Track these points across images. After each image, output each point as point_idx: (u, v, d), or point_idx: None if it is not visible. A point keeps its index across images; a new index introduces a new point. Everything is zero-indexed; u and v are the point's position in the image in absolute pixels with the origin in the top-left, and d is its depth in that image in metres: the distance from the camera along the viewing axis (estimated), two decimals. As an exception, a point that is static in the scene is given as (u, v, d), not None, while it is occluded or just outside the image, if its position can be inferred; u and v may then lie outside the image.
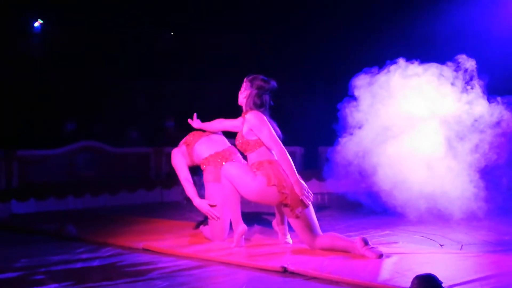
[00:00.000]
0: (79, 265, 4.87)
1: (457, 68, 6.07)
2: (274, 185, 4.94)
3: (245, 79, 5.32)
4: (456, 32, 10.04)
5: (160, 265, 4.73)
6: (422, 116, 6.11)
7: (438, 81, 6.08)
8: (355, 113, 6.29)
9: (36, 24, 12.71)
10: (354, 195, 6.82)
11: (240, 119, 5.38)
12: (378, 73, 6.21)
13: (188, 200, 5.85)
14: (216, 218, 5.53)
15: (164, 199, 10.11)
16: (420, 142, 6.07)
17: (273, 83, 5.27)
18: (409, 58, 6.21)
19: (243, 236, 5.25)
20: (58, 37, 12.86)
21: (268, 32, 13.20)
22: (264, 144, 5.09)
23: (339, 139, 6.33)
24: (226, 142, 5.84)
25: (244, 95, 5.28)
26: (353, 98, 6.29)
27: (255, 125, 5.09)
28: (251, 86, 5.23)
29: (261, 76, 5.27)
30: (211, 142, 5.79)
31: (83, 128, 11.82)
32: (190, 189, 5.65)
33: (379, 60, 6.29)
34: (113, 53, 13.03)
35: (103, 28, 12.94)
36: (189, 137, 5.88)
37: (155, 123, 12.62)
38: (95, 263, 4.93)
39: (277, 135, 5.12)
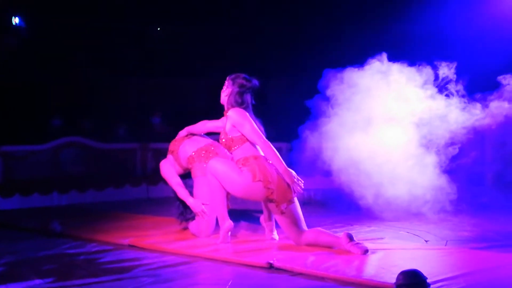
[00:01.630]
0: (64, 261, 4.85)
1: (434, 69, 6.11)
2: (259, 180, 4.95)
3: (227, 78, 5.34)
4: (436, 30, 10.07)
5: (145, 261, 4.72)
6: (395, 114, 6.14)
7: (414, 81, 6.12)
8: (325, 110, 6.32)
9: (15, 21, 12.57)
10: (324, 192, 6.84)
11: (223, 119, 5.40)
12: (352, 71, 6.23)
13: (183, 215, 5.91)
14: (207, 218, 5.56)
15: (150, 195, 10.10)
16: (393, 140, 6.10)
17: (255, 82, 5.29)
18: (388, 58, 6.23)
19: (229, 232, 5.26)
20: (44, 33, 12.75)
21: (255, 28, 13.19)
22: (248, 140, 5.11)
23: (303, 135, 6.37)
24: (207, 138, 5.94)
25: (225, 93, 5.30)
26: (324, 95, 6.33)
27: (237, 121, 5.11)
28: (233, 84, 5.26)
29: (243, 75, 5.30)
30: (192, 141, 5.87)
31: (70, 124, 11.72)
32: (182, 192, 5.76)
33: (360, 58, 6.30)
34: (101, 49, 12.96)
35: (89, 24, 12.85)
36: (172, 144, 5.95)
37: (142, 119, 12.57)
38: (80, 259, 4.91)
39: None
